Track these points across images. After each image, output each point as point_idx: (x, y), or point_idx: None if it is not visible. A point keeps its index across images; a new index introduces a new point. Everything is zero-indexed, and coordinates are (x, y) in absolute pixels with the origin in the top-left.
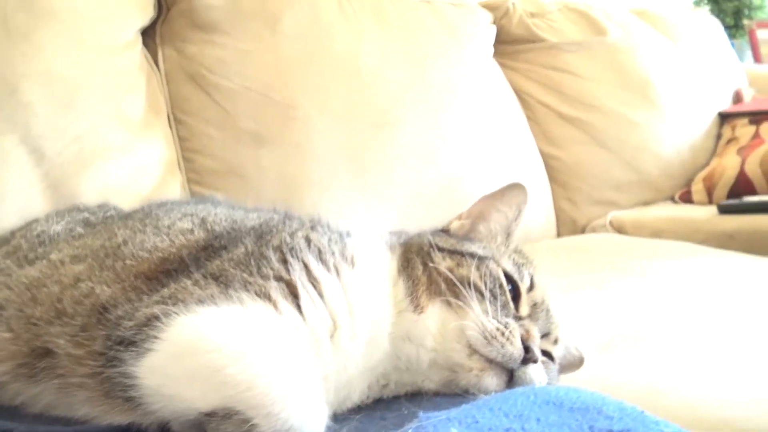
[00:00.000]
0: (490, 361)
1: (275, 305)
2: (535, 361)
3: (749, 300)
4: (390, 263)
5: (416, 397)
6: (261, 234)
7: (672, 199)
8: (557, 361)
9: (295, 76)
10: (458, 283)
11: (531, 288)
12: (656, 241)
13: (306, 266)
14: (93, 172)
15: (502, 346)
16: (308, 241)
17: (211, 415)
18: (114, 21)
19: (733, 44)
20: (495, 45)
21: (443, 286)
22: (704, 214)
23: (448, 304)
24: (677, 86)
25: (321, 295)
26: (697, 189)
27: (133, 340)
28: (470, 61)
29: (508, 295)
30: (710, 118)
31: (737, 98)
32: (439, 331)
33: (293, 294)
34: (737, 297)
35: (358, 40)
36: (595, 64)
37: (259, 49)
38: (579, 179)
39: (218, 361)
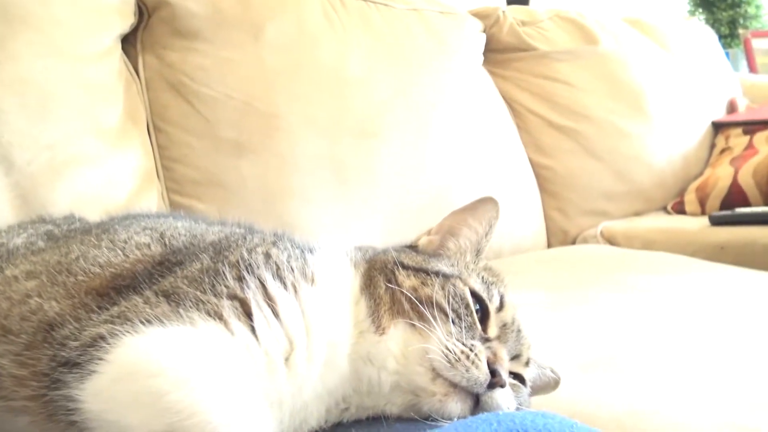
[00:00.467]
0: (455, 386)
1: (227, 325)
2: (502, 386)
3: (738, 316)
4: (353, 281)
5: (375, 423)
6: (220, 249)
7: (664, 209)
8: (528, 383)
9: (279, 85)
10: (420, 304)
11: (501, 308)
12: (646, 253)
13: (262, 284)
14: (64, 182)
15: (467, 370)
16: (267, 257)
17: None
18: (92, 28)
19: (728, 54)
20: (485, 53)
21: (406, 306)
22: (696, 225)
23: (412, 325)
24: (670, 95)
25: (276, 314)
26: (690, 199)
27: (77, 362)
28: (459, 70)
29: (475, 316)
30: (704, 128)
31: (731, 108)
32: (402, 353)
33: (247, 313)
34: (726, 313)
35: (343, 49)
36: (586, 74)
37: (242, 58)
38: (570, 189)
39: (161, 387)
